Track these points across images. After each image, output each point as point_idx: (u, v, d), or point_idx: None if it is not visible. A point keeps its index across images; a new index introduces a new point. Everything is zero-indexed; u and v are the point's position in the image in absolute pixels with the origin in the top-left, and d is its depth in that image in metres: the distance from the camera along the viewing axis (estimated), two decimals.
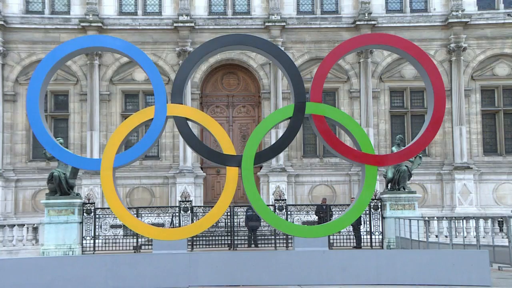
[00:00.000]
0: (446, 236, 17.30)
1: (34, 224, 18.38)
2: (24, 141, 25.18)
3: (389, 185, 19.69)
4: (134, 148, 10.79)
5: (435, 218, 19.10)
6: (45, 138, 10.56)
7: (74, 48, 10.66)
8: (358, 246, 19.16)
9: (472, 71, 25.68)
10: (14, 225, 18.28)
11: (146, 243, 18.73)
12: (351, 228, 19.19)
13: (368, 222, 19.37)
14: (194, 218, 19.02)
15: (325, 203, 21.22)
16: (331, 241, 18.45)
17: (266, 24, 25.26)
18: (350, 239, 19.33)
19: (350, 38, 11.66)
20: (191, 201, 20.74)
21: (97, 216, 18.73)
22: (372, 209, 19.26)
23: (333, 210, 20.02)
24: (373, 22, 25.18)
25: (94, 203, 19.24)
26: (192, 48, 24.19)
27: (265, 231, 20.30)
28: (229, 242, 19.11)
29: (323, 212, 19.76)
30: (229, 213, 19.01)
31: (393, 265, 10.29)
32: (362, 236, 19.40)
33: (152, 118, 10.58)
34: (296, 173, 25.10)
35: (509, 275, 12.59)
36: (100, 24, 24.83)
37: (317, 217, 20.03)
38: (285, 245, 18.91)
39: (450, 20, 25.23)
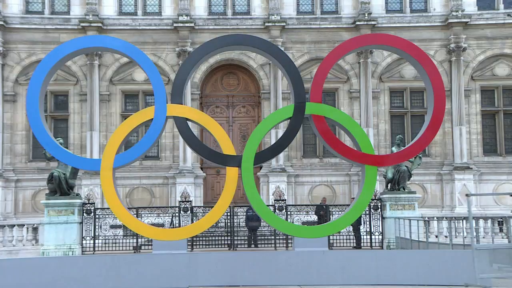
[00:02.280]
0: (446, 236, 17.29)
1: (34, 224, 18.37)
2: (24, 141, 25.18)
3: (389, 185, 19.68)
4: (134, 148, 10.78)
5: (435, 218, 19.08)
6: (45, 139, 10.56)
7: (74, 48, 10.65)
8: (358, 246, 19.15)
9: (472, 71, 25.69)
10: (14, 225, 18.26)
11: (146, 243, 18.72)
12: (351, 228, 19.18)
13: (368, 222, 19.36)
14: (194, 218, 19.02)
15: (325, 202, 21.24)
16: (331, 241, 18.44)
17: (266, 24, 25.26)
18: (350, 239, 19.31)
19: (350, 39, 11.66)
20: (191, 201, 20.72)
21: (97, 216, 18.72)
22: (372, 209, 19.25)
23: (332, 210, 20.01)
24: (373, 22, 25.17)
25: (94, 203, 19.22)
26: (192, 48, 24.19)
27: (265, 231, 20.30)
28: (229, 242, 19.10)
29: (323, 211, 19.77)
30: (229, 213, 19.00)
31: (393, 265, 10.28)
32: (362, 236, 19.39)
33: (152, 118, 10.57)
34: (296, 173, 25.10)
35: (509, 275, 12.57)
36: (100, 25, 24.82)
37: (317, 217, 20.04)
38: (285, 245, 18.89)
39: (450, 20, 25.23)
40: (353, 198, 22.16)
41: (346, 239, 19.20)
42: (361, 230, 19.39)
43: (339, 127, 10.94)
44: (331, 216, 19.53)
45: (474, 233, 10.02)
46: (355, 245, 19.23)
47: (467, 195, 8.99)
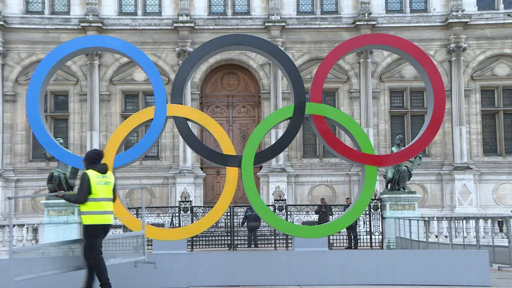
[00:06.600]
0: (446, 236, 17.30)
1: (34, 224, 18.38)
2: (24, 141, 25.19)
3: (389, 185, 19.69)
4: (134, 148, 10.76)
5: (435, 218, 19.10)
6: (45, 139, 10.52)
7: (74, 48, 10.61)
8: (350, 246, 19.13)
9: (472, 71, 25.70)
10: (14, 225, 18.27)
11: (146, 243, 18.69)
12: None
13: (368, 222, 19.38)
14: (194, 218, 19.03)
15: (324, 203, 21.26)
16: (331, 241, 18.45)
17: (266, 24, 25.26)
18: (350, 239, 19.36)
19: (350, 39, 11.64)
20: (191, 201, 20.75)
21: None
22: (372, 209, 19.27)
23: (333, 210, 20.05)
24: (373, 22, 25.18)
25: None
26: (192, 48, 24.19)
27: (265, 231, 20.30)
28: (229, 242, 19.12)
29: (322, 211, 19.81)
30: (229, 213, 19.02)
31: (393, 265, 10.25)
32: (360, 236, 19.43)
33: (152, 118, 10.55)
34: (296, 173, 25.10)
35: (509, 275, 12.57)
36: (100, 25, 24.83)
37: (317, 217, 20.10)
38: (285, 245, 18.91)
39: (450, 20, 25.24)
40: (348, 199, 22.41)
41: (347, 239, 19.22)
42: (356, 230, 19.41)
43: (339, 127, 10.90)
44: (331, 216, 19.56)
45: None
46: (348, 245, 19.19)
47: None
